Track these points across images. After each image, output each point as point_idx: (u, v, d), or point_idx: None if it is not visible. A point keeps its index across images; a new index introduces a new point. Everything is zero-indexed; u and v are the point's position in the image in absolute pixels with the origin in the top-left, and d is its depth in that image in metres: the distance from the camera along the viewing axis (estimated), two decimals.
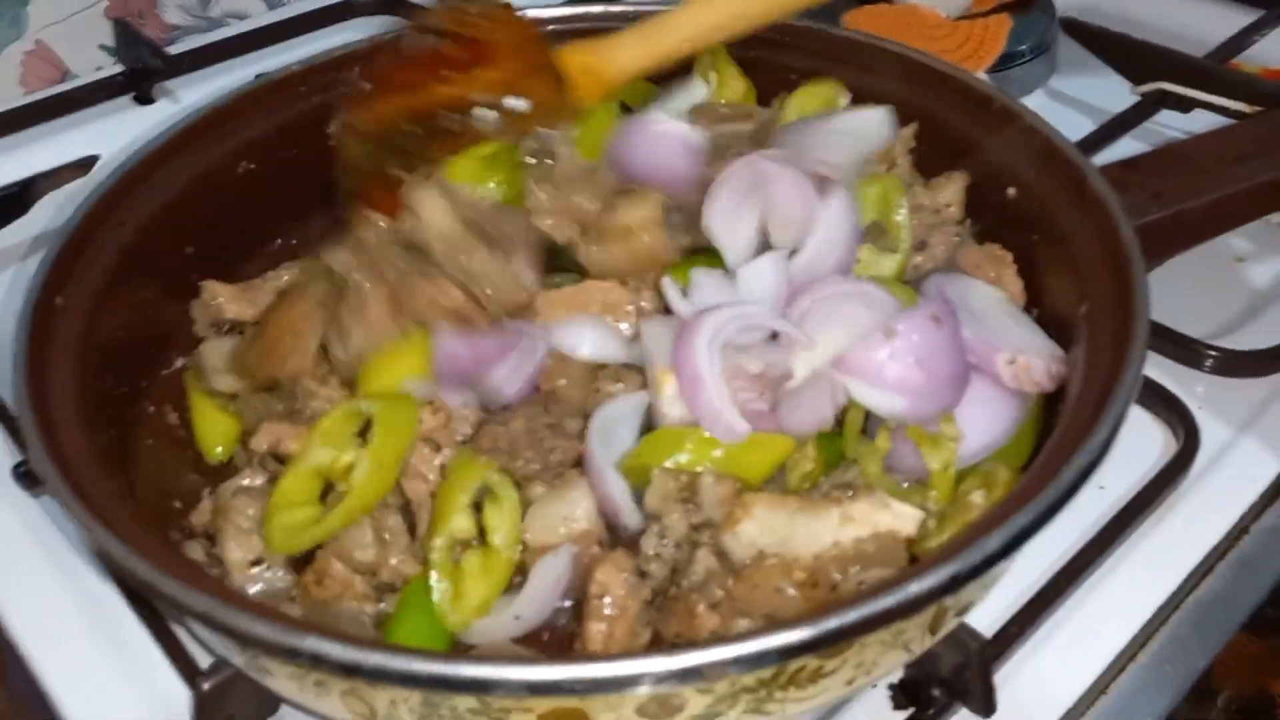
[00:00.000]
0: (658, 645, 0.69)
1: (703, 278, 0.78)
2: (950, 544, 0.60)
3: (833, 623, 0.54)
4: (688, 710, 0.59)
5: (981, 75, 1.12)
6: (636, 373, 0.78)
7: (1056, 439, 0.65)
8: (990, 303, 0.78)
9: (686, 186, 0.83)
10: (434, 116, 0.86)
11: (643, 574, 0.71)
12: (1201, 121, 1.12)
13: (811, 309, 0.75)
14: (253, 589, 0.72)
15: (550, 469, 0.75)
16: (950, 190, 0.86)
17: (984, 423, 0.72)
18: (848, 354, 0.72)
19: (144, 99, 1.27)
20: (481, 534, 0.72)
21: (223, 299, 0.86)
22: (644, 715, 0.59)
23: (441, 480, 0.74)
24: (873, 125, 0.87)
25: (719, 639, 0.55)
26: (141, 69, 1.27)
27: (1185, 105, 1.14)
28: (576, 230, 0.84)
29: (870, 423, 0.73)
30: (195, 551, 0.75)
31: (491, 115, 0.86)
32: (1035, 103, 1.00)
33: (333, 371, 0.79)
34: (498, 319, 0.77)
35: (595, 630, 0.68)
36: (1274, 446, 0.86)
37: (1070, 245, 0.76)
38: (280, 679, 0.62)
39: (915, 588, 0.56)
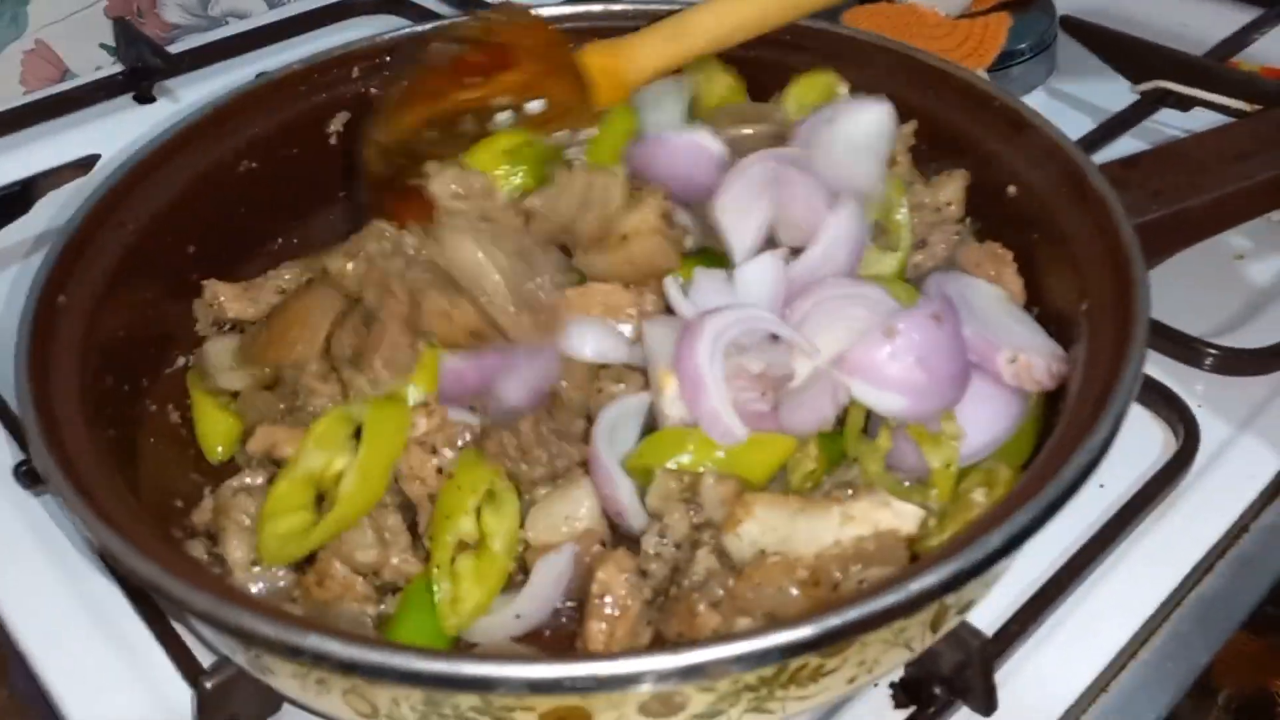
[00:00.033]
0: (659, 645, 0.69)
1: (704, 277, 0.78)
2: (951, 542, 0.60)
3: (835, 621, 0.54)
4: (689, 709, 0.59)
5: (981, 74, 1.12)
6: (639, 373, 0.78)
7: (1057, 437, 0.65)
8: (991, 301, 0.79)
9: (707, 195, 0.82)
10: (454, 121, 0.86)
11: (643, 573, 0.71)
12: (1201, 120, 1.12)
13: (813, 311, 0.75)
14: (254, 588, 0.72)
15: (557, 474, 0.75)
16: (950, 188, 0.86)
17: (985, 421, 0.72)
18: (848, 353, 0.71)
19: (144, 98, 1.27)
20: (480, 537, 0.72)
21: (224, 298, 0.86)
22: (646, 714, 0.59)
23: (446, 481, 0.74)
24: (885, 126, 0.86)
25: (721, 637, 0.55)
26: (142, 68, 1.27)
27: (1185, 104, 1.14)
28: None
29: (871, 422, 0.73)
30: (197, 550, 0.75)
31: (509, 117, 0.86)
32: (1035, 101, 1.00)
33: (334, 370, 0.79)
34: (517, 341, 0.77)
35: (596, 630, 0.68)
36: (1274, 444, 0.86)
37: (1070, 243, 0.76)
38: (282, 678, 0.63)
39: (917, 586, 0.56)
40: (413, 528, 0.75)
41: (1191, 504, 0.82)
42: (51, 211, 1.10)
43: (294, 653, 0.56)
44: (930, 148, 0.89)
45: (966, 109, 0.87)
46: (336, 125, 0.98)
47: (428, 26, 1.00)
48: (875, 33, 0.96)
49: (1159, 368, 0.89)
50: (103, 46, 1.37)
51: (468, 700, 0.57)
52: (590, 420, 0.77)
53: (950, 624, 0.66)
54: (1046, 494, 0.59)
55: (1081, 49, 1.26)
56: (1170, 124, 1.15)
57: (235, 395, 0.84)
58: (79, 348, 0.74)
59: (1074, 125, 1.11)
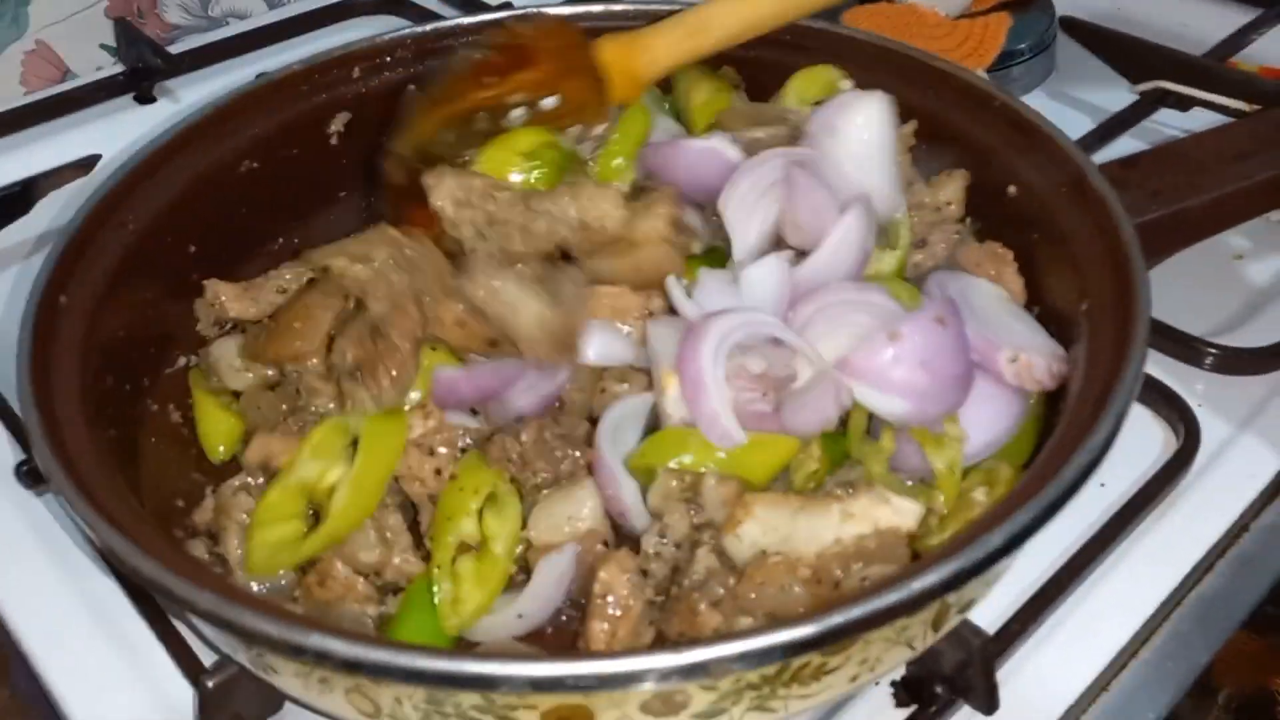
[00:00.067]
0: (661, 644, 0.69)
1: (708, 278, 0.79)
2: (953, 541, 0.60)
3: (837, 619, 0.54)
4: (691, 708, 0.59)
5: (981, 74, 1.12)
6: (642, 373, 0.78)
7: (1058, 436, 0.65)
8: (991, 300, 0.79)
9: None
10: (469, 120, 0.86)
11: (644, 573, 0.71)
12: (1200, 120, 1.12)
13: (816, 316, 0.75)
14: (255, 588, 0.72)
15: (561, 479, 0.75)
16: (950, 188, 0.86)
17: (986, 421, 0.72)
18: (851, 357, 0.71)
19: (145, 98, 1.27)
20: (481, 539, 0.72)
21: (225, 298, 0.86)
22: (648, 712, 0.59)
23: (449, 483, 0.74)
24: (889, 119, 0.85)
25: (724, 636, 0.55)
26: (142, 68, 1.27)
27: (1184, 104, 1.14)
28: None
29: (874, 423, 0.73)
30: (198, 550, 0.75)
31: (523, 113, 0.86)
32: (1034, 101, 1.00)
33: (333, 371, 0.79)
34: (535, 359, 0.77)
35: (598, 629, 0.68)
36: (1274, 444, 0.86)
37: (1070, 243, 0.76)
38: (285, 676, 0.63)
39: (919, 584, 0.56)
40: (414, 527, 0.76)
41: (1192, 503, 0.82)
42: (52, 212, 1.10)
43: (297, 651, 0.56)
44: (930, 148, 0.89)
45: (966, 109, 0.87)
46: (337, 125, 0.98)
47: (448, 24, 1.00)
48: (875, 33, 0.96)
49: (1159, 367, 0.89)
50: (103, 47, 1.37)
51: (470, 699, 0.57)
52: (593, 421, 0.77)
53: (952, 623, 0.66)
54: (1048, 493, 0.60)
55: (1081, 49, 1.27)
56: (1169, 124, 1.15)
57: (237, 395, 0.84)
58: (80, 347, 0.74)
59: (1073, 125, 1.11)
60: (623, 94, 0.89)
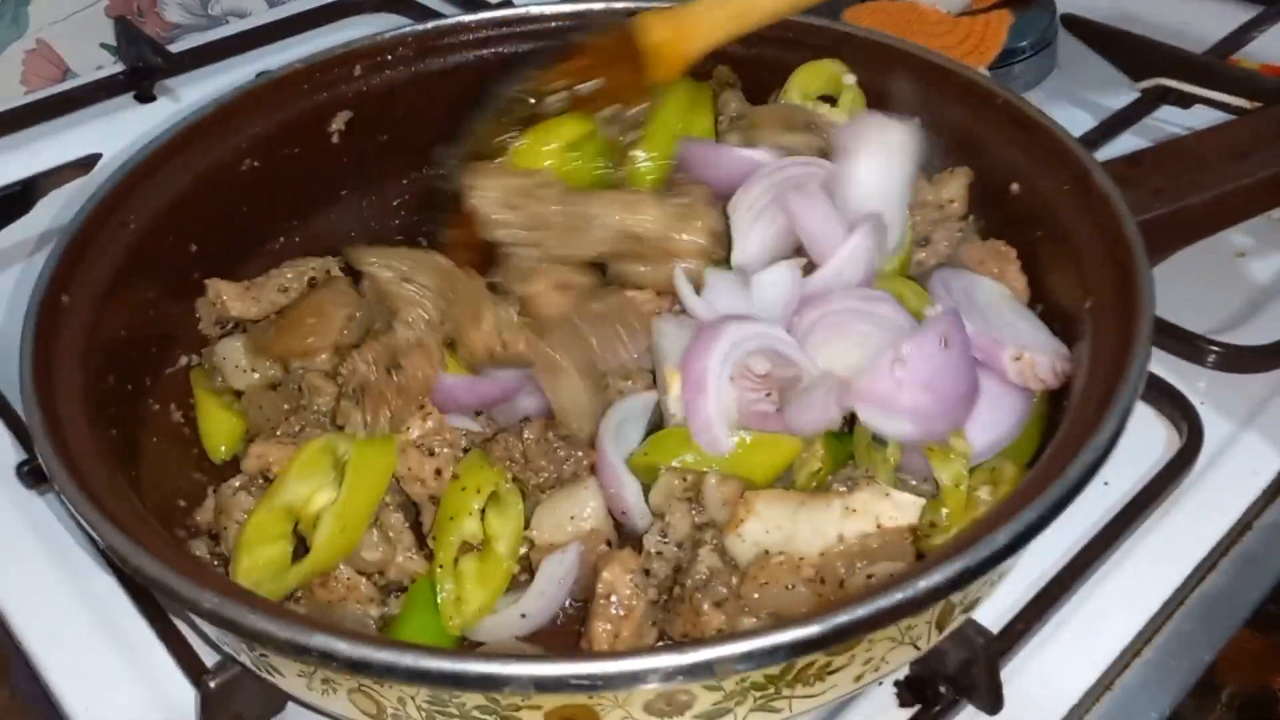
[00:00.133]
0: (665, 644, 0.69)
1: (718, 279, 0.78)
2: (958, 540, 0.60)
3: (842, 618, 0.54)
4: (695, 708, 0.59)
5: (982, 71, 1.12)
6: (645, 371, 0.78)
7: (1062, 435, 0.65)
8: (995, 299, 0.79)
9: None
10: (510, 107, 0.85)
11: (646, 572, 0.71)
12: (1201, 117, 1.12)
13: (820, 322, 0.75)
14: None
15: (564, 480, 0.75)
16: (953, 186, 0.86)
17: (990, 420, 0.72)
18: (855, 381, 0.71)
19: (145, 97, 1.27)
20: (484, 539, 0.72)
21: (227, 297, 0.86)
22: (651, 713, 0.59)
23: (451, 483, 0.74)
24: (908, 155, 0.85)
25: (728, 636, 0.55)
26: (143, 67, 1.27)
27: (1185, 101, 1.14)
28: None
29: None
30: (199, 550, 0.75)
31: (562, 98, 0.85)
32: (1036, 99, 0.99)
33: (337, 378, 0.79)
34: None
35: (601, 630, 0.68)
36: (1277, 441, 0.86)
37: (1074, 241, 0.76)
38: (288, 677, 0.62)
39: (924, 583, 0.56)
40: (415, 527, 0.76)
41: (1195, 501, 0.82)
42: (53, 211, 1.10)
43: (300, 651, 0.55)
44: (933, 145, 0.88)
45: (969, 106, 0.87)
46: (338, 124, 0.97)
47: (449, 22, 1.00)
48: (876, 30, 0.96)
49: (1162, 365, 0.89)
50: (104, 46, 1.37)
51: (474, 699, 0.57)
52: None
53: (956, 622, 0.65)
54: (1052, 492, 0.59)
55: (1082, 46, 1.26)
56: (1171, 121, 1.15)
57: (238, 395, 0.84)
58: (82, 347, 0.74)
59: (1075, 123, 1.11)
60: (664, 72, 0.87)
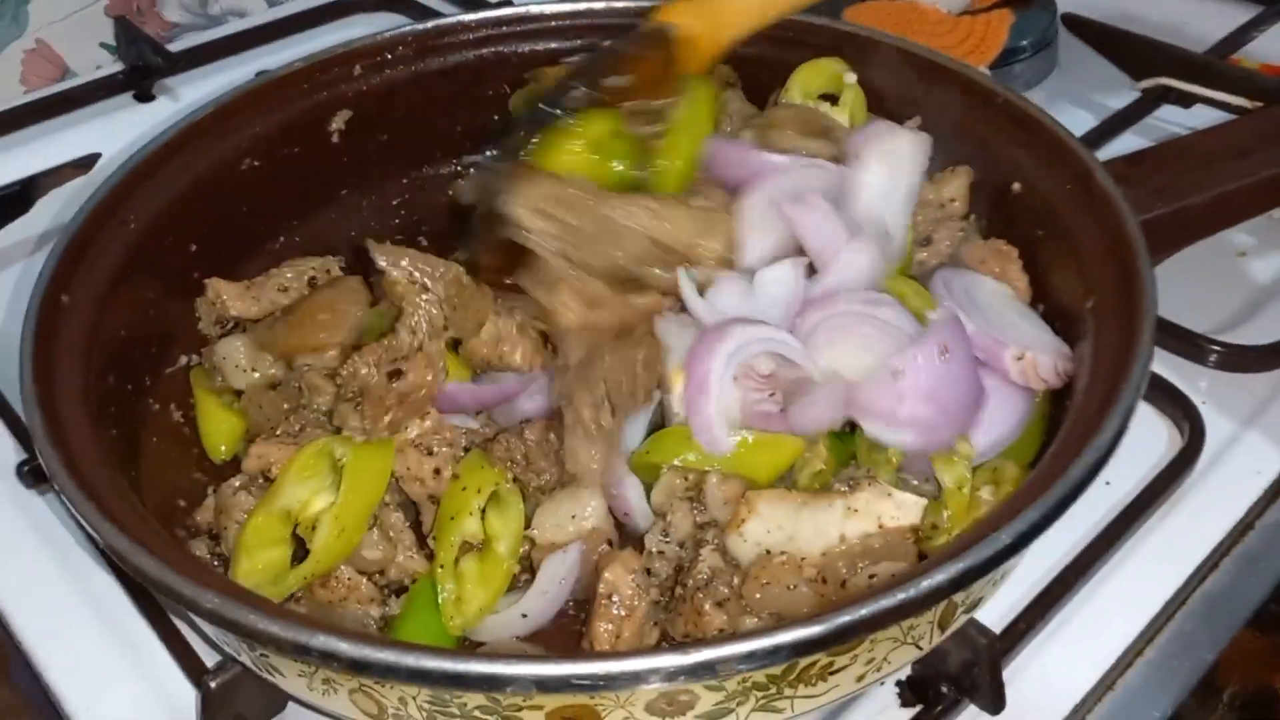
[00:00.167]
0: (667, 644, 0.69)
1: (721, 280, 0.78)
2: (960, 540, 0.60)
3: (845, 618, 0.54)
4: (697, 708, 0.59)
5: (983, 70, 1.12)
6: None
7: (1064, 435, 0.65)
8: (997, 298, 0.78)
9: None
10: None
11: (647, 572, 0.71)
12: (1202, 117, 1.12)
13: (823, 324, 0.75)
14: None
15: (565, 481, 0.75)
16: (955, 185, 0.86)
17: (991, 420, 0.72)
18: (856, 394, 0.71)
19: (144, 97, 1.27)
20: (484, 539, 0.72)
21: (227, 297, 0.86)
22: (653, 713, 0.59)
23: (451, 482, 0.74)
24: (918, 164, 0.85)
25: (731, 636, 0.55)
26: (142, 66, 1.27)
27: (1186, 100, 1.14)
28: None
29: None
30: (200, 549, 0.75)
31: (584, 94, 0.83)
32: (1036, 98, 0.99)
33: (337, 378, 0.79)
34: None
35: (602, 630, 0.68)
36: (1278, 441, 0.86)
37: (1075, 240, 0.76)
38: (289, 677, 0.62)
39: (927, 583, 0.56)
40: (417, 526, 0.75)
41: (1196, 501, 0.81)
42: (52, 210, 1.09)
43: (302, 651, 0.55)
44: (934, 144, 0.88)
45: (970, 106, 0.87)
46: (338, 123, 0.98)
47: (449, 21, 0.99)
48: (877, 29, 0.96)
49: (1163, 365, 0.89)
50: (103, 45, 1.37)
51: (475, 699, 0.57)
52: None
53: (958, 622, 0.65)
54: (1055, 492, 0.59)
55: (1083, 46, 1.26)
56: (1171, 121, 1.15)
57: (238, 394, 0.84)
58: (82, 347, 0.74)
59: (1076, 122, 1.11)
60: (695, 64, 0.85)
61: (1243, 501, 0.82)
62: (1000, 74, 1.17)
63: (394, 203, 1.02)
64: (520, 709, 0.57)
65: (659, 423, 0.76)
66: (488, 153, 0.84)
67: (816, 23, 0.95)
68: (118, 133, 1.17)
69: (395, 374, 0.75)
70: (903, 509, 0.68)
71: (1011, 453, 0.73)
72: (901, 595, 0.55)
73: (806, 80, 0.93)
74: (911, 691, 0.71)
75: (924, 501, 0.69)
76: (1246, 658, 0.79)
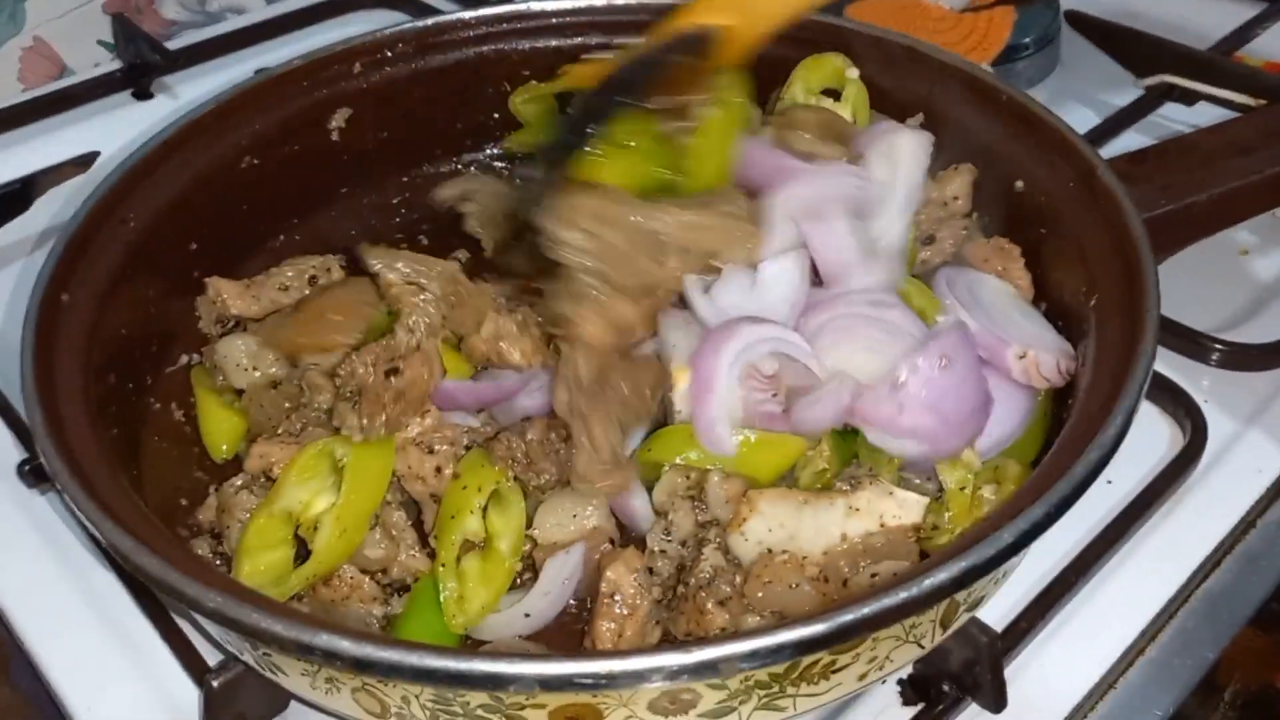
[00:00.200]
0: (670, 642, 0.69)
1: (725, 276, 0.78)
2: (963, 538, 0.60)
3: (848, 617, 0.54)
4: (700, 707, 0.59)
5: (986, 68, 1.12)
6: None
7: (1067, 433, 0.65)
8: (999, 297, 0.78)
9: None
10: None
11: (649, 571, 0.71)
12: (1205, 114, 1.12)
13: (828, 325, 0.75)
14: None
15: (565, 480, 0.75)
16: (957, 183, 0.86)
17: (994, 418, 0.72)
18: (859, 404, 0.71)
19: (143, 94, 1.26)
20: (486, 537, 0.72)
21: (227, 295, 0.86)
22: (655, 711, 0.59)
23: (451, 481, 0.74)
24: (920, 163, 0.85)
25: (734, 634, 0.55)
26: (140, 64, 1.26)
27: (1189, 98, 1.14)
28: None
29: None
30: (202, 548, 0.75)
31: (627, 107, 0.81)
32: (1039, 96, 0.99)
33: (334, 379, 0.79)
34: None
35: (605, 629, 0.68)
36: None
37: (1079, 238, 0.76)
38: (291, 676, 0.62)
39: (929, 582, 0.56)
40: (419, 525, 0.75)
41: (1198, 500, 0.81)
42: (52, 209, 1.09)
43: (305, 650, 0.55)
44: (936, 142, 0.88)
45: (973, 103, 0.87)
46: (338, 121, 0.97)
47: (449, 18, 0.98)
48: (879, 26, 0.96)
49: (1165, 363, 0.89)
50: (101, 43, 1.37)
51: (478, 698, 0.57)
52: None
53: (960, 620, 0.65)
54: (1058, 490, 0.59)
55: (1086, 43, 1.26)
56: (1174, 118, 1.15)
57: (239, 393, 0.83)
58: (83, 345, 0.74)
59: (1078, 120, 1.10)
60: (729, 59, 0.83)
61: (1245, 500, 0.82)
62: (1003, 71, 1.17)
63: (394, 201, 1.02)
64: (523, 708, 0.57)
65: (660, 420, 0.76)
66: (500, 155, 0.83)
67: (819, 19, 0.95)
68: (116, 131, 1.17)
69: (392, 372, 0.75)
70: (904, 508, 0.68)
71: (1014, 451, 0.73)
72: (904, 594, 0.55)
73: (809, 77, 0.92)
74: (913, 690, 0.71)
75: (926, 500, 0.69)
76: (1248, 656, 0.79)
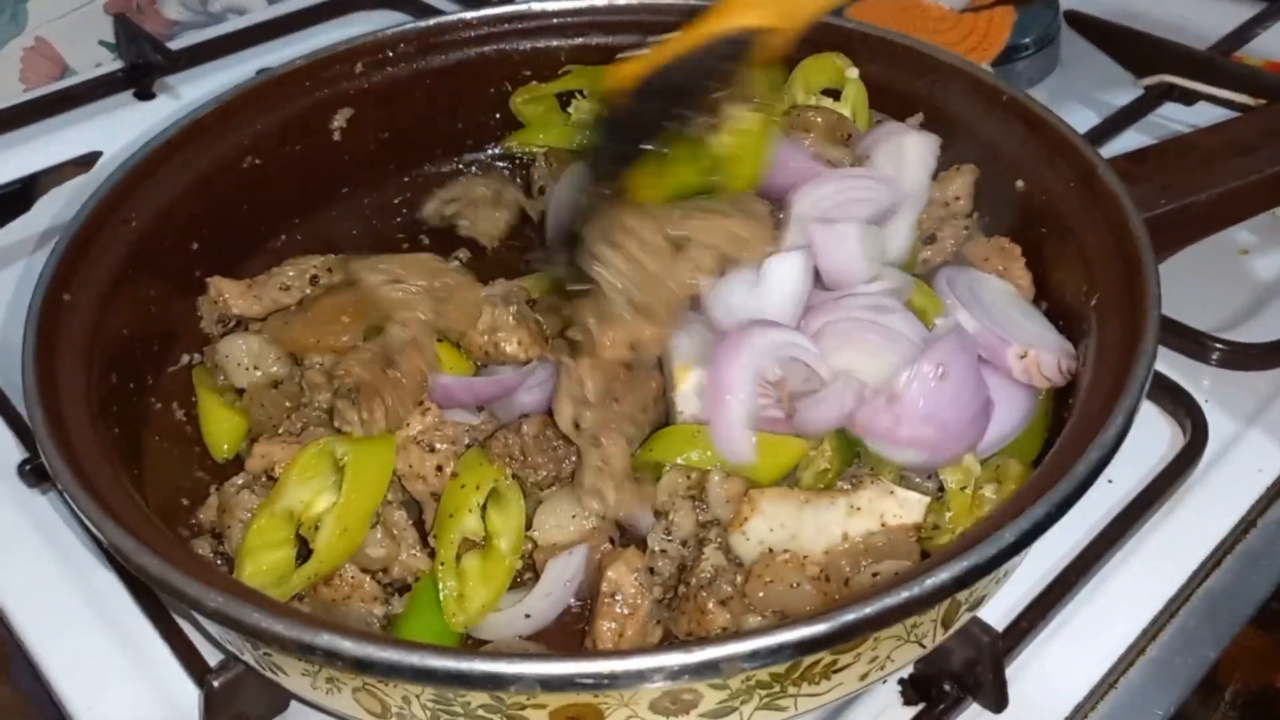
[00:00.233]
0: (671, 642, 0.69)
1: (731, 274, 0.78)
2: (964, 538, 0.60)
3: (849, 616, 0.54)
4: (701, 706, 0.59)
5: (985, 68, 1.12)
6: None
7: (1068, 432, 0.65)
8: (1000, 296, 0.78)
9: None
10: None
11: (650, 570, 0.71)
12: (1205, 114, 1.12)
13: (829, 328, 0.75)
14: None
15: (563, 478, 0.75)
16: (958, 183, 0.86)
17: (995, 417, 0.72)
18: (858, 414, 0.71)
19: (145, 95, 1.26)
20: (486, 536, 0.72)
21: (228, 295, 0.86)
22: (657, 711, 0.59)
23: (450, 480, 0.74)
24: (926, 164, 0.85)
25: (736, 634, 0.55)
26: (142, 64, 1.26)
27: (1189, 98, 1.14)
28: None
29: None
30: (203, 548, 0.75)
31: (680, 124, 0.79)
32: (1039, 96, 0.99)
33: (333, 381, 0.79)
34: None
35: (606, 629, 0.68)
36: None
37: (1079, 238, 0.76)
38: (292, 676, 0.62)
39: (931, 581, 0.56)
40: (420, 524, 0.75)
41: (1199, 499, 0.81)
42: (53, 209, 1.09)
43: (306, 650, 0.55)
44: (939, 144, 0.88)
45: (975, 103, 0.87)
46: (340, 121, 0.97)
47: (450, 18, 0.98)
48: (880, 26, 0.96)
49: (1166, 363, 0.89)
50: (102, 43, 1.37)
51: (479, 698, 0.57)
52: None
53: (961, 620, 0.65)
54: (1059, 489, 0.59)
55: (1085, 43, 1.26)
56: (1174, 118, 1.15)
57: (240, 393, 0.84)
58: (84, 345, 0.74)
59: (1078, 119, 1.10)
60: (765, 54, 0.78)
61: (1245, 499, 0.82)
62: (1002, 71, 1.17)
63: (395, 201, 1.02)
64: (524, 708, 0.57)
65: (661, 421, 0.76)
66: (500, 154, 0.82)
67: (820, 20, 0.94)
68: (118, 131, 1.17)
69: (388, 365, 0.75)
70: (905, 507, 0.68)
71: (1015, 450, 0.73)
72: (906, 593, 0.55)
73: (809, 77, 0.92)
74: (914, 689, 0.71)
75: (927, 499, 0.69)
76: (1249, 656, 0.79)
